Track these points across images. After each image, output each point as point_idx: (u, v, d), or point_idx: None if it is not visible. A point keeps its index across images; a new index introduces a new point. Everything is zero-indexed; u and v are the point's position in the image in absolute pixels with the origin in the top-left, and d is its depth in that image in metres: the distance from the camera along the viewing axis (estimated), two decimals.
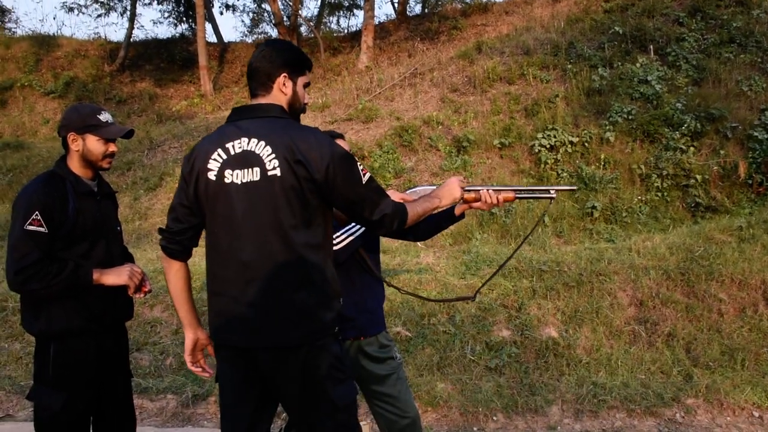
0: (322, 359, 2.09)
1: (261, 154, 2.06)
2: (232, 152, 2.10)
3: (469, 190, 2.81)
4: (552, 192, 2.81)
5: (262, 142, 2.07)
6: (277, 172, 2.03)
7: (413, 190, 2.88)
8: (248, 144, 2.08)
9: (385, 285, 2.99)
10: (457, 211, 2.93)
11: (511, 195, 2.80)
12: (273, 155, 2.04)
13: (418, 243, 7.99)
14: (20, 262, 2.36)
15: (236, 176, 2.07)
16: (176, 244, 2.27)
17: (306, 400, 2.10)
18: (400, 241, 7.98)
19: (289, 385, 2.10)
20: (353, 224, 2.68)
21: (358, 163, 2.14)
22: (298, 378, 2.07)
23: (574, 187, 3.01)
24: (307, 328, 2.06)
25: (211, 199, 2.13)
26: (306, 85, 2.30)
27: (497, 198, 2.77)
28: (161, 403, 4.59)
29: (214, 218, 2.13)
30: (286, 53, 2.24)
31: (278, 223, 2.03)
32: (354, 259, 2.76)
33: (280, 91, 2.21)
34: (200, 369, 2.44)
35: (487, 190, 2.78)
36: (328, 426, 2.10)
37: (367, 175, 2.15)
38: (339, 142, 2.75)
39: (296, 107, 2.26)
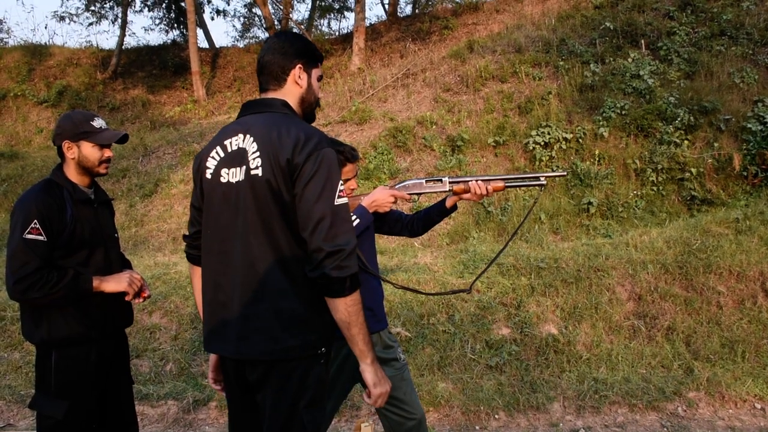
0: (305, 378, 1.95)
1: (248, 151, 1.94)
2: (229, 149, 2.00)
3: (457, 182, 2.81)
4: (542, 179, 2.81)
5: (251, 138, 1.95)
6: (259, 171, 1.90)
7: (403, 184, 2.88)
8: (243, 141, 1.97)
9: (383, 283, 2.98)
10: (448, 203, 2.91)
11: (500, 184, 2.79)
12: (257, 153, 1.91)
13: (415, 243, 7.99)
14: (20, 272, 2.35)
15: (232, 175, 1.97)
16: (194, 249, 2.19)
17: (278, 417, 1.96)
18: (398, 242, 7.99)
19: (266, 397, 1.98)
20: None
21: (340, 184, 1.92)
22: (277, 392, 1.95)
23: (564, 173, 3.00)
24: (292, 341, 1.91)
25: (207, 198, 2.05)
26: (319, 78, 2.19)
27: (486, 188, 2.76)
28: (162, 409, 4.57)
29: (208, 219, 2.04)
30: (299, 43, 2.11)
31: (262, 225, 1.90)
32: None
33: (295, 84, 2.09)
34: (220, 387, 2.26)
35: (476, 180, 2.78)
36: None
37: (343, 199, 1.90)
38: (349, 165, 2.71)
39: (310, 101, 2.15)
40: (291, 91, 2.09)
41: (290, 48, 2.07)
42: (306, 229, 1.86)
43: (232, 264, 1.95)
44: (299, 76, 2.08)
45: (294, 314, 1.92)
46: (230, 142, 2.00)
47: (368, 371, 1.98)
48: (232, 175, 1.96)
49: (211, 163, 2.04)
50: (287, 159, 1.86)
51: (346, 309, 1.90)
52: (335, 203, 1.86)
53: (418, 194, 2.88)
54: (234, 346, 1.95)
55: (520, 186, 2.88)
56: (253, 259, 1.91)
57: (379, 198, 2.75)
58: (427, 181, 2.88)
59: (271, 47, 2.09)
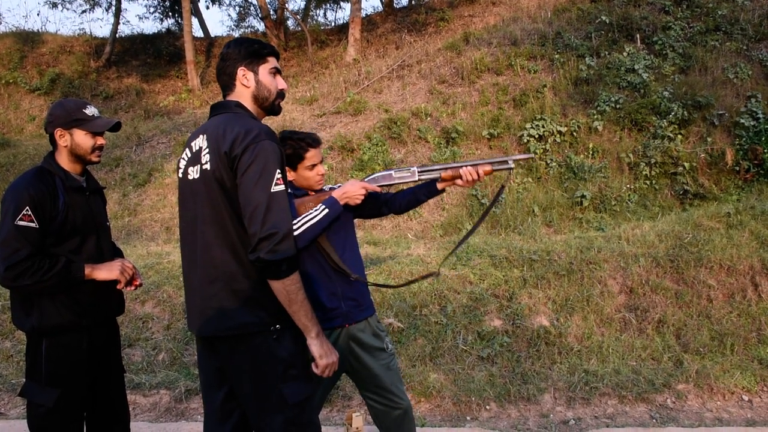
0: (273, 353, 2.10)
1: (202, 149, 2.14)
2: (193, 150, 2.21)
3: (426, 171, 2.91)
4: (510, 162, 2.87)
5: (205, 138, 2.15)
6: (208, 165, 2.09)
7: (372, 177, 2.94)
8: (201, 141, 2.17)
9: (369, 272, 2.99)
10: (440, 186, 2.94)
11: (488, 168, 2.84)
12: (207, 149, 2.11)
13: (408, 234, 8.00)
14: (11, 258, 2.34)
15: (195, 172, 2.17)
16: None
17: (257, 394, 2.11)
18: (391, 233, 7.99)
19: (241, 376, 2.13)
20: (310, 212, 2.67)
21: (278, 173, 2.03)
22: (248, 370, 2.10)
23: (532, 155, 3.13)
24: (245, 318, 2.07)
25: (180, 195, 2.28)
26: (275, 72, 2.31)
27: (478, 173, 2.82)
28: (154, 398, 4.58)
29: (182, 213, 2.26)
30: (239, 48, 2.27)
31: (214, 215, 2.09)
32: (319, 251, 2.75)
33: (243, 86, 2.25)
34: None
35: (444, 168, 2.85)
36: (278, 421, 2.10)
37: (280, 186, 2.02)
38: (311, 151, 2.76)
39: (264, 96, 2.28)
40: (242, 93, 2.27)
41: (232, 54, 2.26)
42: (245, 216, 2.02)
43: (197, 252, 2.15)
44: (244, 77, 2.25)
45: (245, 295, 2.09)
46: (194, 144, 2.21)
47: (313, 344, 2.13)
48: (195, 173, 2.17)
49: (182, 164, 2.27)
50: (225, 151, 2.04)
51: (284, 289, 2.03)
52: (271, 190, 2.00)
53: (388, 185, 2.96)
54: (197, 323, 2.17)
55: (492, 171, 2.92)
56: (209, 245, 2.11)
57: (350, 190, 2.79)
58: (396, 172, 2.95)
59: (220, 57, 2.30)
